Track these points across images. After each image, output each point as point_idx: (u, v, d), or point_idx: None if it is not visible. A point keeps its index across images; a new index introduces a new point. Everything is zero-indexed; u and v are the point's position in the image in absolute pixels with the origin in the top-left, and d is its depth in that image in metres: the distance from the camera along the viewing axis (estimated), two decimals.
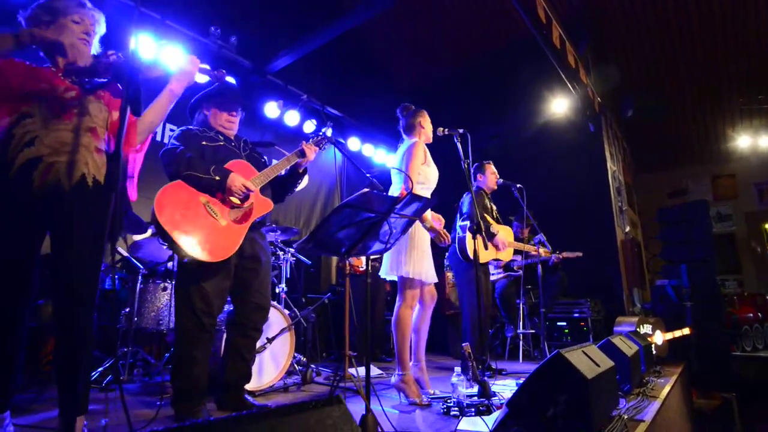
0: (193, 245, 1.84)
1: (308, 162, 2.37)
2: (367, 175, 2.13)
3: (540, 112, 5.96)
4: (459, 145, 2.82)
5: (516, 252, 4.34)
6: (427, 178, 2.67)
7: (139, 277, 3.03)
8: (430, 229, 2.59)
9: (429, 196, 2.74)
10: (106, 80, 1.63)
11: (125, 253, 3.03)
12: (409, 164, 2.58)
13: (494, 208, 4.05)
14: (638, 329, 4.17)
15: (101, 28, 1.72)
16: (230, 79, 4.59)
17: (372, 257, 4.37)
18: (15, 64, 1.48)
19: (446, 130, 2.90)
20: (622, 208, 6.02)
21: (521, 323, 4.62)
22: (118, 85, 1.69)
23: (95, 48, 1.70)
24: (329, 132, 2.67)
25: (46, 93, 1.50)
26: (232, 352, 2.11)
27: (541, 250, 4.13)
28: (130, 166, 1.74)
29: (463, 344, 2.58)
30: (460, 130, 2.84)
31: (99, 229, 1.53)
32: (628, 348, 2.92)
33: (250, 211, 2.07)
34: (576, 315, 4.98)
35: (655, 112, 6.73)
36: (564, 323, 5.05)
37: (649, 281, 7.07)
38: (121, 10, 3.58)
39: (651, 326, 4.40)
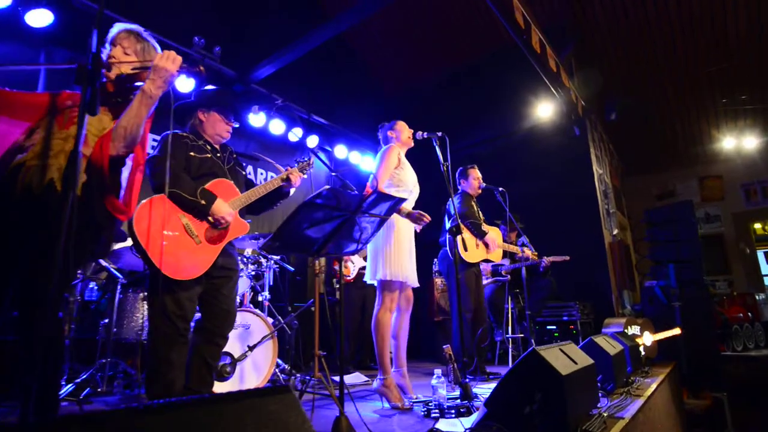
0: (166, 263, 1.85)
1: (293, 187, 2.38)
2: (333, 173, 2.15)
3: (526, 116, 6.03)
4: (438, 149, 2.86)
5: (503, 256, 4.38)
6: (402, 181, 2.71)
7: (119, 287, 3.01)
8: (408, 216, 2.59)
9: (408, 199, 2.78)
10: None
11: (104, 263, 3.02)
12: (380, 167, 2.65)
13: (479, 212, 4.09)
14: (626, 330, 4.19)
15: (149, 54, 1.78)
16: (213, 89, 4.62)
17: (362, 264, 4.36)
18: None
19: (425, 133, 2.95)
20: (610, 211, 6.07)
21: (510, 327, 4.63)
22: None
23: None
24: (315, 148, 2.69)
25: (49, 109, 1.53)
26: (197, 358, 2.10)
27: (527, 251, 4.16)
28: (105, 176, 1.71)
29: (444, 346, 2.58)
30: (439, 134, 2.89)
31: (57, 236, 1.50)
32: (612, 347, 2.94)
33: (226, 232, 2.10)
34: (565, 318, 5.01)
35: (638, 114, 6.83)
36: (553, 327, 5.07)
37: (639, 283, 7.11)
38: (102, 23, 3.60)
39: (639, 327, 4.43)
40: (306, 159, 2.45)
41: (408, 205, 2.82)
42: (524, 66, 4.86)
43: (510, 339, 4.60)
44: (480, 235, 3.66)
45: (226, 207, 2.06)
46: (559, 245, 4.58)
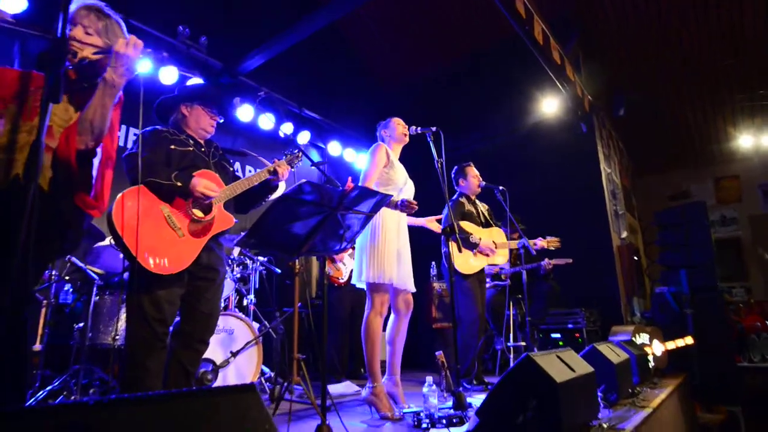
0: (148, 256, 1.86)
1: (281, 180, 2.38)
2: (312, 166, 2.16)
3: (530, 112, 6.05)
4: (432, 145, 2.88)
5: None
6: (391, 180, 2.74)
7: (95, 289, 3.02)
8: (396, 207, 2.59)
9: (400, 197, 2.80)
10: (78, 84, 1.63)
11: (80, 263, 3.03)
12: (368, 166, 2.70)
13: (483, 211, 4.09)
14: (634, 338, 4.19)
15: (113, 34, 1.71)
16: (199, 81, 4.64)
17: (353, 266, 4.36)
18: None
19: (418, 128, 2.97)
20: (619, 212, 6.08)
21: (511, 335, 4.63)
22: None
23: None
24: (304, 141, 2.71)
25: (15, 94, 1.50)
26: (174, 364, 2.09)
27: (543, 242, 4.12)
28: (74, 170, 1.70)
29: (437, 353, 2.59)
30: (433, 129, 2.91)
31: (18, 232, 1.51)
32: (615, 356, 2.94)
33: (210, 225, 2.09)
34: (570, 326, 5.00)
35: (649, 109, 6.85)
36: (558, 335, 5.07)
37: (650, 289, 7.12)
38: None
39: (648, 335, 4.43)
40: (295, 152, 2.47)
41: None
42: (527, 59, 4.88)
43: (512, 347, 4.60)
44: (471, 247, 3.66)
45: (206, 181, 2.05)
46: (563, 248, 4.58)
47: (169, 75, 4.30)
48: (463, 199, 3.97)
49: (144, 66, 4.04)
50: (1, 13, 1.73)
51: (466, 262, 3.70)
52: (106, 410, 0.71)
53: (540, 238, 4.10)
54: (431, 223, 2.83)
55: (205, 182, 2.06)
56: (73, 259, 3.02)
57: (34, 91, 1.52)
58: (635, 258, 6.97)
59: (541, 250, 4.06)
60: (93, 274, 3.03)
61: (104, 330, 3.06)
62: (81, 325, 3.02)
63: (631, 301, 5.77)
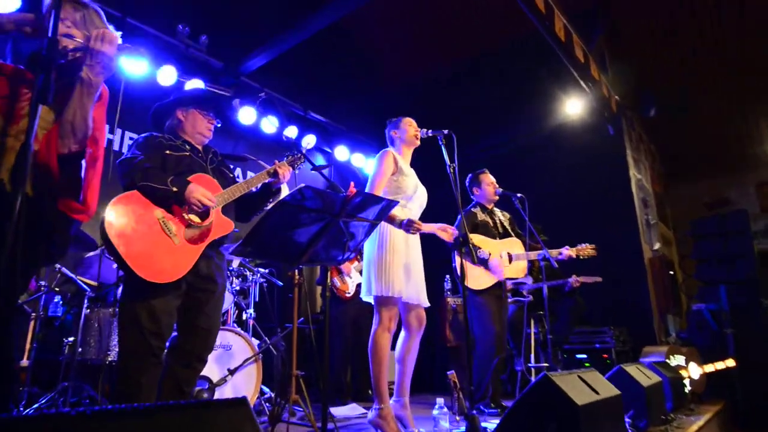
0: (141, 264, 1.89)
1: (282, 182, 2.41)
2: (312, 170, 2.18)
3: (551, 114, 6.04)
4: (444, 148, 2.90)
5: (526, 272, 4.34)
6: (400, 188, 2.78)
7: (86, 301, 3.07)
8: (404, 226, 2.60)
9: (409, 206, 2.83)
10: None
11: (70, 274, 3.09)
12: (374, 175, 2.74)
13: (502, 220, 4.08)
14: (668, 360, 4.14)
15: (93, 27, 1.68)
16: (199, 83, 4.73)
17: (359, 280, 4.38)
18: None
19: (429, 131, 2.99)
20: (650, 222, 6.02)
21: (533, 355, 4.59)
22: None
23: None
24: (309, 145, 2.75)
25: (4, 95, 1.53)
26: (169, 382, 2.11)
27: (571, 251, 4.05)
28: (54, 174, 1.72)
29: (449, 372, 2.59)
30: (445, 131, 2.93)
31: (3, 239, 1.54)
32: (646, 378, 2.91)
33: (208, 231, 2.12)
34: (597, 346, 4.95)
35: (684, 109, 6.79)
36: (584, 355, 5.01)
37: (686, 306, 7.00)
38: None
39: (684, 357, 4.36)
40: (297, 153, 2.50)
41: (413, 214, 2.86)
42: (549, 57, 4.89)
43: (533, 368, 4.55)
44: (477, 263, 3.64)
45: (202, 189, 2.08)
46: (589, 261, 4.54)
47: (167, 76, 4.40)
48: (477, 209, 3.97)
49: (140, 67, 4.14)
50: None
51: (476, 278, 3.68)
52: (90, 422, 0.74)
53: (567, 246, 4.03)
54: (443, 232, 2.84)
55: (202, 190, 2.09)
56: (64, 269, 3.09)
57: (24, 93, 1.55)
58: (670, 272, 6.87)
59: (567, 261, 3.99)
60: (84, 285, 3.09)
61: (95, 345, 3.11)
62: (71, 339, 3.07)
63: (665, 319, 5.68)
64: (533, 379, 4.56)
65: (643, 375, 2.91)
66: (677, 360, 4.27)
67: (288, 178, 2.43)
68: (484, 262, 3.63)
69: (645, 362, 3.58)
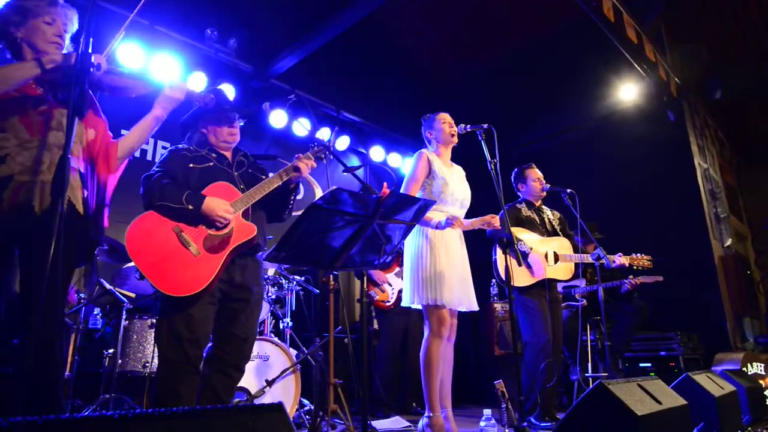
0: (161, 279, 2.02)
1: (301, 177, 2.48)
2: (344, 172, 2.23)
3: (603, 102, 5.91)
4: (484, 144, 2.91)
5: (575, 276, 4.26)
6: (435, 192, 2.83)
7: (124, 313, 3.24)
8: (448, 222, 2.64)
9: (445, 210, 2.85)
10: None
11: (108, 285, 3.27)
12: (408, 177, 2.85)
13: (552, 219, 4.03)
14: (744, 368, 3.98)
15: (74, 26, 1.93)
16: (229, 87, 4.89)
17: (400, 286, 4.41)
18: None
19: (467, 126, 3.01)
20: (720, 216, 5.77)
21: (590, 364, 4.48)
22: (92, 98, 1.91)
23: (67, 47, 1.90)
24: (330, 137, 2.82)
25: (17, 105, 1.70)
26: (207, 392, 2.22)
27: (622, 259, 3.97)
28: (108, 191, 1.93)
29: (496, 381, 2.58)
30: (485, 126, 2.93)
31: (69, 257, 1.69)
32: (717, 387, 2.80)
33: (229, 238, 2.21)
34: (663, 353, 4.79)
35: (755, 89, 6.45)
36: (648, 364, 4.87)
37: (765, 308, 6.65)
38: (100, 16, 3.94)
39: (763, 365, 4.17)
40: (316, 145, 2.58)
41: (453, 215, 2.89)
42: (598, 40, 4.79)
43: (590, 378, 4.44)
44: (518, 259, 3.60)
45: (218, 202, 2.18)
46: (651, 261, 4.39)
47: (197, 82, 4.59)
48: (521, 205, 3.94)
49: (171, 75, 4.34)
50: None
51: (518, 274, 3.62)
52: (131, 425, 0.80)
53: (620, 254, 3.95)
54: (489, 223, 2.84)
55: (219, 205, 2.18)
56: (102, 281, 3.27)
57: (35, 103, 1.71)
58: (746, 271, 6.56)
59: (620, 268, 3.91)
60: (122, 297, 3.26)
61: (134, 356, 3.28)
62: (111, 351, 3.25)
63: (740, 322, 5.43)
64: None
65: (713, 384, 2.80)
66: (756, 368, 4.09)
67: (308, 173, 2.48)
68: (524, 256, 3.59)
69: (717, 370, 3.44)
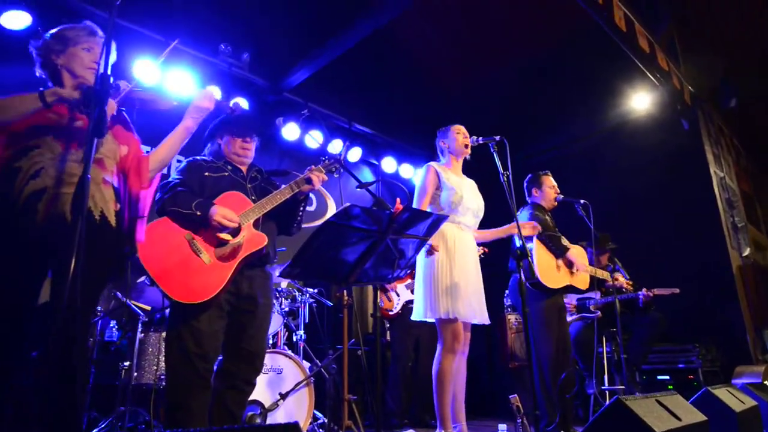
0: (172, 285, 2.05)
1: (313, 189, 2.52)
2: (358, 188, 2.24)
3: (615, 111, 5.89)
4: (496, 156, 2.91)
5: (590, 287, 4.22)
6: (446, 203, 2.84)
7: (139, 326, 3.28)
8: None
9: (459, 221, 2.85)
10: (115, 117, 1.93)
11: (123, 298, 3.30)
12: (418, 191, 2.89)
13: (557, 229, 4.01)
14: (766, 381, 3.90)
15: (112, 57, 2.03)
16: (243, 101, 4.96)
17: (410, 298, 4.41)
18: (23, 101, 1.74)
19: (479, 138, 3.02)
20: (738, 225, 5.68)
21: (606, 377, 4.43)
22: (125, 116, 1.99)
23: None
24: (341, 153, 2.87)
25: (53, 124, 1.78)
26: (218, 406, 2.22)
27: (619, 278, 3.98)
28: (141, 205, 1.97)
29: (511, 396, 2.56)
30: (497, 138, 2.93)
31: (100, 269, 1.73)
32: (738, 402, 2.75)
33: (240, 247, 2.24)
34: (682, 366, 4.72)
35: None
36: (666, 376, 4.80)
37: None
38: (118, 34, 4.03)
39: None
40: (327, 159, 2.62)
41: (467, 225, 2.90)
42: (609, 50, 4.77)
43: (607, 392, 4.38)
44: (559, 251, 3.57)
45: (225, 209, 2.22)
46: (665, 271, 4.36)
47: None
48: (539, 212, 3.91)
49: (186, 90, 4.41)
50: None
51: (548, 271, 3.57)
52: None
53: (620, 273, 3.99)
54: (522, 229, 2.85)
55: (223, 211, 2.21)
56: (118, 293, 3.31)
57: (69, 120, 1.79)
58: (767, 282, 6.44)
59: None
60: (138, 310, 3.30)
61: (149, 369, 3.30)
62: (126, 363, 3.28)
63: (761, 334, 5.32)
64: (607, 403, 4.38)
65: (734, 398, 2.75)
66: None
67: (319, 186, 2.52)
68: (565, 250, 3.55)
69: (737, 384, 3.38)
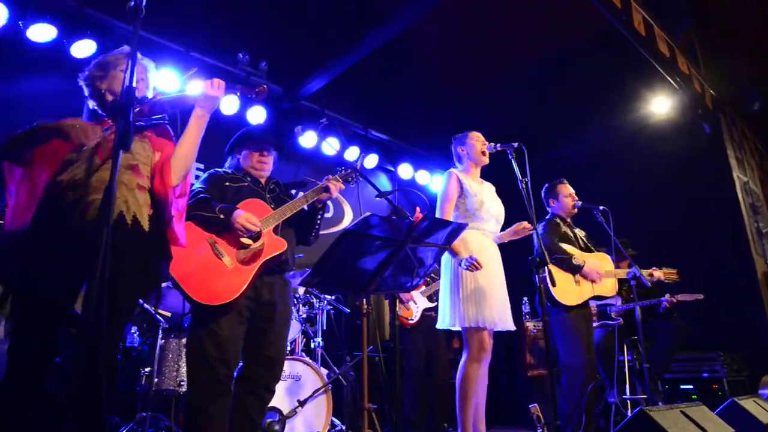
0: (195, 287, 2.09)
1: (330, 198, 2.57)
2: (377, 197, 2.25)
3: (635, 116, 5.83)
4: (514, 162, 2.90)
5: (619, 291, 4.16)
6: (468, 211, 2.84)
7: (160, 332, 3.32)
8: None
9: (482, 227, 2.85)
10: (148, 121, 1.98)
11: (144, 304, 3.35)
12: (441, 198, 2.86)
13: (581, 234, 3.98)
14: None
15: (152, 75, 2.12)
16: (261, 110, 5.02)
17: (427, 306, 4.41)
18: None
19: (497, 145, 3.01)
20: (762, 231, 5.57)
21: (627, 386, 4.35)
22: (167, 126, 2.03)
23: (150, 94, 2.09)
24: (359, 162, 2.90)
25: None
26: (240, 413, 2.25)
27: (656, 272, 3.89)
28: (169, 207, 2.00)
29: (531, 405, 2.53)
30: (515, 144, 2.92)
31: (133, 273, 1.77)
32: (766, 414, 2.68)
33: (261, 252, 2.28)
34: (706, 375, 4.63)
35: None
36: (690, 386, 4.71)
37: None
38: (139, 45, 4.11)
39: None
40: (345, 168, 2.66)
41: (488, 232, 2.89)
42: (628, 54, 4.74)
43: (628, 401, 4.31)
44: (573, 271, 3.54)
45: (247, 214, 2.26)
46: (688, 278, 4.25)
47: (230, 105, 4.73)
48: (558, 220, 3.88)
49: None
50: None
51: (567, 289, 3.54)
52: None
53: (655, 267, 3.86)
54: (517, 232, 2.86)
55: (246, 215, 2.26)
56: (139, 300, 3.35)
57: (109, 134, 1.84)
58: None
59: (656, 282, 3.82)
60: (158, 316, 3.34)
61: (169, 375, 3.33)
62: (147, 369, 3.32)
63: None
64: (629, 413, 4.31)
65: (761, 410, 2.69)
66: None
67: (336, 194, 2.56)
68: (578, 269, 3.52)
69: (765, 394, 3.31)
